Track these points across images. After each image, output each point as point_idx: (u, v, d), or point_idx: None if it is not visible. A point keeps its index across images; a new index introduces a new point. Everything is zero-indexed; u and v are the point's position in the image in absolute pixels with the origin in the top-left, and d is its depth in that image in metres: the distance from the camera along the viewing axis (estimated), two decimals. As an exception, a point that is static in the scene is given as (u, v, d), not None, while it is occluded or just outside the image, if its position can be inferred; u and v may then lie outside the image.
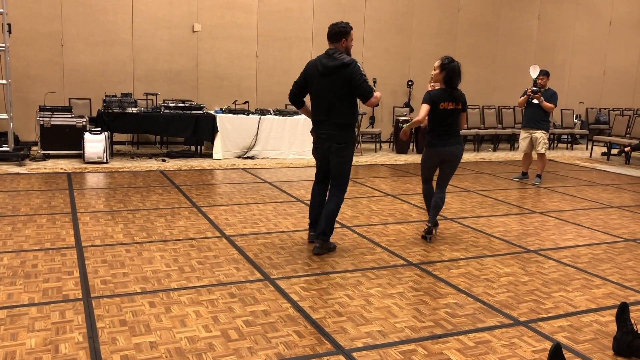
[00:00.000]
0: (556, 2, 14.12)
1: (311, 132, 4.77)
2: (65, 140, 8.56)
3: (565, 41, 14.48)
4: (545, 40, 14.15)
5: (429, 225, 5.16)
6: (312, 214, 4.89)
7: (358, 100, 4.58)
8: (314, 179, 4.94)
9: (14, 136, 8.43)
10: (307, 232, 5.05)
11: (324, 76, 4.50)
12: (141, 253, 4.48)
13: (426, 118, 4.97)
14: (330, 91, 4.50)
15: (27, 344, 2.94)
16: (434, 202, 5.16)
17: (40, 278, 3.86)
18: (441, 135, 5.03)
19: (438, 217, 6.11)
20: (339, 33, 4.54)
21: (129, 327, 3.19)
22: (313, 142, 4.77)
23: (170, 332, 3.15)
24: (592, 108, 14.96)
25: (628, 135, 11.67)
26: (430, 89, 9.35)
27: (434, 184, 5.30)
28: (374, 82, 10.57)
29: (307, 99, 4.80)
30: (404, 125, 5.35)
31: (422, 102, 5.01)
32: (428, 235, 5.15)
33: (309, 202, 6.47)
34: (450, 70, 4.94)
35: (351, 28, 4.60)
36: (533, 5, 13.87)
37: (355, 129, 4.84)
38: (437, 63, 5.04)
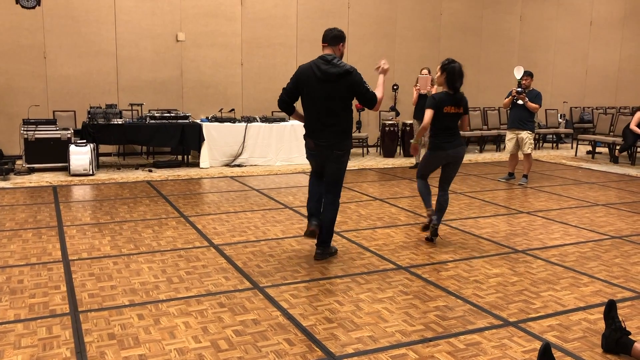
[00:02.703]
0: (537, 3, 14.27)
1: (305, 138, 4.61)
2: (50, 153, 8.48)
3: (547, 42, 14.63)
4: (527, 41, 14.28)
5: (434, 225, 5.12)
6: (311, 203, 4.70)
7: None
8: (309, 176, 4.83)
9: (-3, 150, 8.35)
10: (304, 236, 4.77)
11: (323, 83, 4.38)
12: (129, 265, 4.44)
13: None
14: (330, 98, 4.40)
15: (13, 362, 2.90)
16: (438, 204, 5.19)
17: (27, 293, 3.82)
18: (447, 138, 5.04)
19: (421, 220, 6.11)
20: (338, 37, 4.49)
21: (118, 340, 3.16)
22: (309, 149, 4.62)
23: (159, 344, 3.13)
24: (576, 107, 15.11)
25: (612, 133, 11.79)
26: (415, 92, 9.44)
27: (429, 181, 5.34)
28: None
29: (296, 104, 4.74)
30: (412, 141, 5.40)
31: (426, 107, 5.02)
32: (434, 237, 5.19)
33: (297, 209, 6.49)
34: (450, 72, 4.92)
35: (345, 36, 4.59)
36: (514, 7, 14.00)
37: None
38: (439, 66, 5.05)
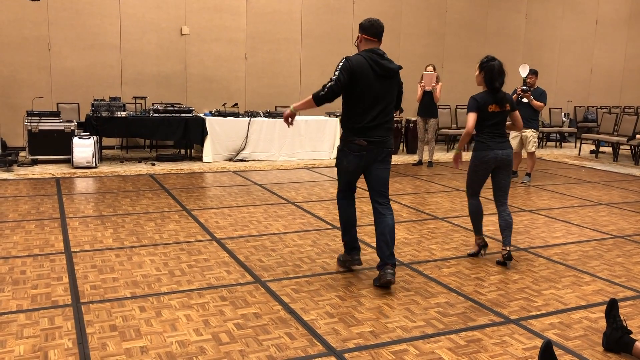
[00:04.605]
0: (543, 1, 14.22)
1: (351, 140, 4.11)
2: (53, 145, 8.50)
3: (552, 40, 14.59)
4: (532, 40, 14.24)
5: (508, 249, 4.56)
6: (348, 234, 4.29)
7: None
8: (339, 194, 4.43)
9: (1, 142, 8.37)
10: (343, 255, 4.38)
11: (381, 78, 4.10)
12: (131, 257, 4.45)
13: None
14: (387, 94, 4.15)
15: (15, 352, 2.91)
16: (503, 221, 4.63)
17: (29, 284, 3.83)
18: (495, 137, 4.56)
19: (429, 221, 6.10)
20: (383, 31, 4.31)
21: (119, 332, 3.17)
22: (353, 151, 4.12)
23: (160, 337, 3.14)
24: (580, 106, 15.07)
25: (616, 133, 11.76)
26: (419, 89, 9.42)
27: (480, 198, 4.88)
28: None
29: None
30: (455, 151, 4.79)
31: (468, 110, 4.57)
32: (508, 261, 4.56)
33: (299, 204, 6.49)
34: (488, 70, 4.50)
35: None
36: (520, 5, 13.95)
37: None
38: (478, 64, 4.64)
